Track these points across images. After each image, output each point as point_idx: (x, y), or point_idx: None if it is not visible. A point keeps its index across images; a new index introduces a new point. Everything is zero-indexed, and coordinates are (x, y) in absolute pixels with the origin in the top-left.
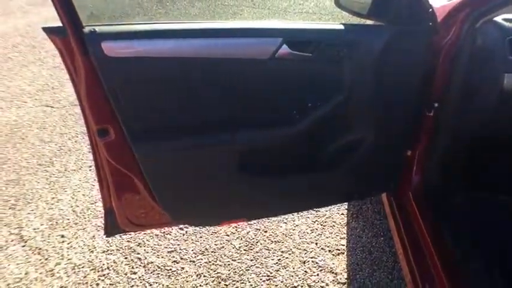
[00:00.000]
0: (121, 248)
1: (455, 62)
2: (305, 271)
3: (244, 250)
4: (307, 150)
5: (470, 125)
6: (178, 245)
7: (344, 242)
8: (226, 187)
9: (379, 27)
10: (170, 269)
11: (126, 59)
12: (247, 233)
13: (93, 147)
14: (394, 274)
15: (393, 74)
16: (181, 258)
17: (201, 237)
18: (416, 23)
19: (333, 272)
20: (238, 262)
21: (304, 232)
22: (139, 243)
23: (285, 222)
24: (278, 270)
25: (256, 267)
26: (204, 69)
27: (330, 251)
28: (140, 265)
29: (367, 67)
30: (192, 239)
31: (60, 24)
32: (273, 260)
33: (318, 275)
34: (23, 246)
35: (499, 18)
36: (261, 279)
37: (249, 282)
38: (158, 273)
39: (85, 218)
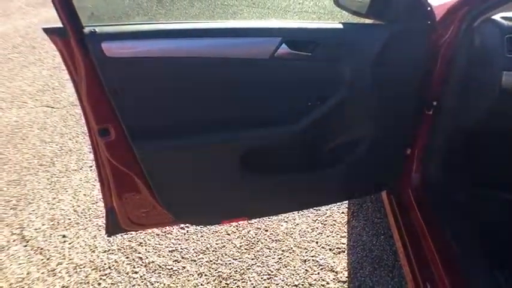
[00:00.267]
0: (122, 247)
1: (453, 60)
2: (306, 270)
3: (245, 249)
4: (307, 148)
5: (469, 122)
6: (180, 244)
7: (344, 240)
8: (227, 186)
9: (378, 26)
10: (171, 268)
11: (126, 59)
12: (248, 232)
13: (93, 146)
14: (395, 272)
15: (392, 72)
16: (183, 258)
17: (202, 236)
18: (415, 22)
19: (333, 271)
20: (239, 261)
21: (304, 231)
22: (140, 243)
23: (286, 221)
24: (279, 269)
25: (257, 266)
26: (204, 68)
27: (330, 249)
28: (141, 264)
29: (367, 66)
30: (193, 238)
31: (61, 25)
32: (273, 259)
33: (318, 273)
34: (25, 246)
35: (497, 17)
36: (262, 278)
37: (250, 281)
38: (159, 273)
39: (86, 217)
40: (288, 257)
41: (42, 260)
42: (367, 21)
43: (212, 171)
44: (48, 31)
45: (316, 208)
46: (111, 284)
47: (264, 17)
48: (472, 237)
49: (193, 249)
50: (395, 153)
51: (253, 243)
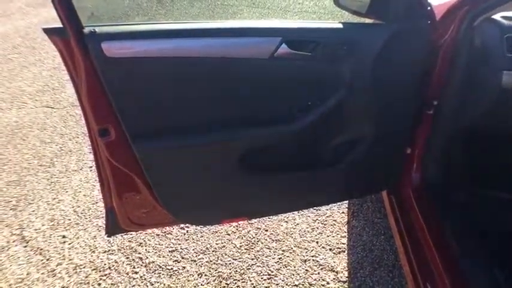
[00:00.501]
0: (122, 247)
1: (453, 60)
2: (306, 270)
3: (245, 249)
4: (307, 148)
5: (469, 122)
6: (180, 244)
7: (345, 240)
8: (227, 186)
9: (378, 26)
10: (171, 269)
11: (126, 59)
12: (248, 232)
13: (93, 147)
14: (395, 272)
15: (392, 72)
16: (183, 258)
17: (202, 236)
18: (415, 22)
19: (333, 271)
20: (239, 261)
21: (304, 231)
22: (140, 243)
23: (286, 221)
24: (279, 269)
25: (257, 266)
26: (204, 68)
27: (330, 249)
28: (141, 265)
29: (367, 65)
30: (193, 238)
31: (61, 25)
32: (273, 259)
33: (318, 273)
34: (25, 246)
35: (497, 16)
36: (262, 278)
37: (250, 281)
38: (159, 273)
39: (86, 218)
40: (288, 257)
41: (42, 260)
42: (367, 21)
43: (212, 171)
44: (48, 31)
45: (316, 208)
46: (111, 284)
47: (263, 17)
48: (472, 237)
49: (193, 250)
50: (395, 152)
51: (253, 243)
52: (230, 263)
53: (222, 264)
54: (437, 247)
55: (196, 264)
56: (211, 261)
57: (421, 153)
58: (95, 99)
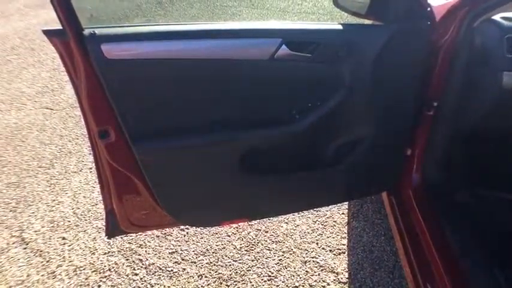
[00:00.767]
0: (122, 249)
1: (453, 60)
2: (306, 271)
3: (246, 250)
4: (307, 149)
5: (470, 123)
6: (180, 246)
7: (345, 241)
8: (227, 187)
9: (378, 27)
10: (171, 270)
11: (126, 61)
12: (248, 233)
13: (93, 148)
14: (395, 273)
15: (392, 73)
16: (183, 259)
17: (202, 238)
18: (415, 22)
19: (334, 272)
20: (240, 263)
21: (305, 232)
22: (140, 245)
23: (286, 222)
24: (279, 271)
25: (258, 267)
26: (204, 70)
27: (330, 250)
28: (142, 266)
29: (367, 67)
30: (193, 240)
31: (60, 27)
32: (274, 260)
33: (319, 274)
34: (25, 248)
35: (497, 17)
36: (262, 279)
37: (251, 282)
38: (160, 275)
39: (86, 220)
40: (288, 258)
41: (42, 262)
42: (367, 21)
43: (212, 172)
44: (47, 33)
45: (316, 209)
46: (111, 286)
47: (263, 18)
48: (472, 237)
49: (193, 251)
50: (395, 153)
51: (253, 245)
52: (230, 265)
53: (222, 266)
54: (437, 248)
55: (197, 265)
56: (211, 262)
57: (421, 154)
58: (94, 101)
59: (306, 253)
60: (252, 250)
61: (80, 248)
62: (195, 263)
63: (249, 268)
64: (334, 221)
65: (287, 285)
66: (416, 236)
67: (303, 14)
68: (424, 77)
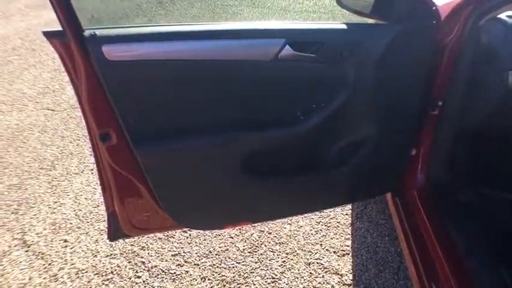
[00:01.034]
0: (124, 252)
1: (459, 60)
2: (310, 273)
3: (249, 252)
4: (311, 151)
5: (474, 122)
6: (182, 248)
7: (349, 242)
8: (229, 189)
9: (383, 26)
10: (174, 273)
11: (127, 62)
12: (251, 234)
13: (94, 150)
14: (400, 274)
15: (397, 73)
16: (186, 262)
17: (204, 239)
18: (420, 21)
19: (338, 274)
20: (243, 265)
21: (308, 233)
22: (142, 247)
23: (289, 224)
24: (283, 273)
25: (261, 269)
26: (206, 71)
27: (334, 252)
28: (144, 269)
29: (371, 66)
30: (195, 242)
31: (60, 28)
32: (277, 262)
33: (323, 276)
34: (26, 251)
35: (503, 15)
36: (266, 281)
37: (254, 285)
38: (162, 277)
39: (88, 222)
40: (292, 260)
41: (43, 265)
42: (371, 21)
43: (214, 175)
44: (47, 34)
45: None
46: None
47: (264, 17)
48: (477, 237)
49: (196, 253)
50: (400, 154)
51: (256, 246)
52: (233, 267)
53: (225, 268)
54: (442, 248)
55: (200, 268)
56: (214, 264)
57: (426, 154)
58: (95, 103)
59: (310, 255)
60: (255, 252)
61: (82, 250)
62: (198, 265)
63: (253, 270)
64: (337, 222)
65: None
66: (421, 236)
67: (304, 12)
68: (429, 77)
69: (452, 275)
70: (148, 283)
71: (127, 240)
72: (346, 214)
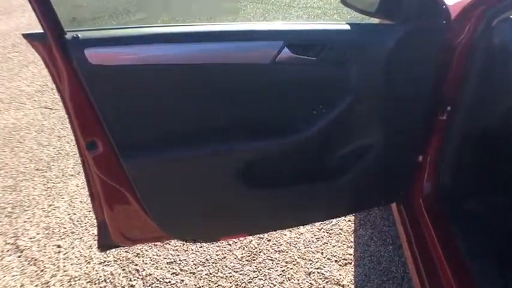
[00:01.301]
0: (119, 258)
1: (470, 62)
2: (310, 283)
3: (247, 261)
4: (311, 160)
5: (486, 128)
6: (178, 255)
7: (351, 251)
8: (224, 200)
9: (389, 27)
10: (169, 282)
11: (112, 66)
12: (250, 242)
13: (82, 158)
14: (404, 286)
15: (404, 76)
16: (181, 270)
17: (201, 247)
18: (429, 21)
19: (339, 284)
20: (240, 274)
21: (309, 241)
22: (137, 254)
23: (290, 231)
24: (282, 283)
25: (259, 279)
26: (199, 76)
27: (336, 261)
28: (138, 277)
29: (377, 70)
30: (192, 249)
31: (42, 30)
32: (276, 271)
33: (324, 287)
34: (19, 256)
35: None
36: None
37: None
38: (157, 286)
39: (82, 226)
40: (291, 269)
41: (36, 271)
42: (377, 21)
43: (208, 185)
44: (28, 37)
45: None
46: None
47: (268, 13)
48: (484, 247)
49: (192, 261)
50: (405, 161)
51: (255, 254)
52: (231, 276)
53: (222, 277)
54: (447, 259)
55: (195, 277)
56: (210, 273)
57: (433, 161)
58: (80, 110)
59: (310, 263)
60: (254, 260)
61: (75, 256)
62: (193, 273)
63: (250, 280)
64: (340, 229)
65: None
66: (425, 246)
67: (309, 8)
68: (438, 81)
69: (457, 287)
70: None
71: None
72: (349, 220)
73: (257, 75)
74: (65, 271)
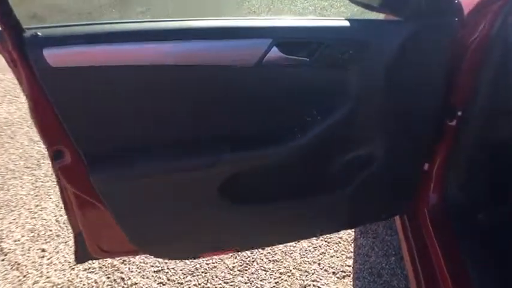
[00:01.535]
0: (104, 265)
1: (483, 63)
2: None
3: (239, 271)
4: (305, 171)
5: (498, 135)
6: (166, 263)
7: (350, 262)
8: (206, 216)
9: (395, 23)
10: None
11: (76, 68)
12: None
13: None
14: None
15: (411, 78)
16: (168, 280)
17: None
18: (440, 18)
19: None
20: (231, 285)
21: (306, 250)
22: (123, 261)
23: None
24: None
25: None
26: (175, 78)
27: (334, 273)
28: (123, 286)
29: (380, 72)
30: None
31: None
32: (269, 283)
33: None
34: (2, 260)
35: None
36: None
37: None
38: None
39: (68, 229)
40: (285, 281)
41: (18, 277)
42: (381, 16)
43: (187, 200)
44: None
45: None
46: None
47: (266, 5)
48: (493, 266)
49: (180, 270)
50: (410, 172)
51: (247, 264)
52: (221, 287)
53: None
54: (452, 276)
55: (184, 287)
56: (199, 284)
57: (441, 170)
58: (43, 116)
59: (306, 275)
60: (246, 270)
61: (60, 262)
62: (181, 284)
63: None
64: (339, 238)
65: None
66: (429, 262)
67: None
68: (448, 83)
69: None
70: None
71: None
72: None
73: (240, 79)
74: (47, 277)
